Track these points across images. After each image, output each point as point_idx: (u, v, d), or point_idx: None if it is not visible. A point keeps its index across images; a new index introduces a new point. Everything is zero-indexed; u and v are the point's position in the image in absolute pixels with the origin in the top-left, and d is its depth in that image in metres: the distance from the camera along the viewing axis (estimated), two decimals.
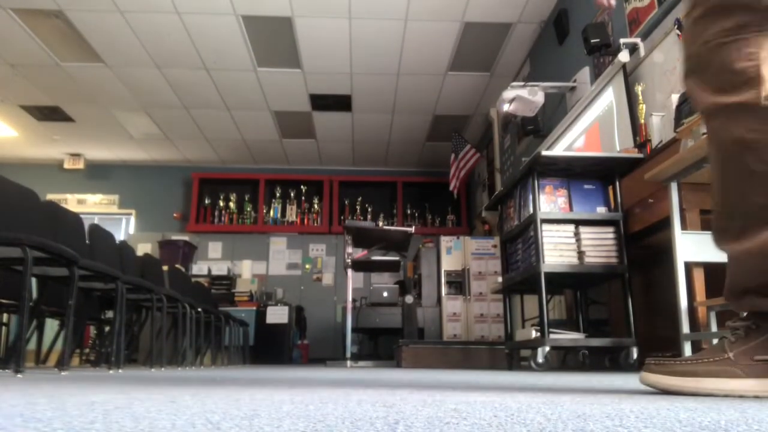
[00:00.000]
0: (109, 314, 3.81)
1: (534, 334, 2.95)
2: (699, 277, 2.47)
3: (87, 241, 3.33)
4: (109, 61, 5.71)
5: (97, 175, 8.48)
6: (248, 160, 8.53)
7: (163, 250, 7.55)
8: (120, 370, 2.74)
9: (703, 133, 2.10)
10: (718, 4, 0.93)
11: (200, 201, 8.35)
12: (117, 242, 3.82)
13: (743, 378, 0.89)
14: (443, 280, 5.83)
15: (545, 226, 2.88)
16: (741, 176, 0.91)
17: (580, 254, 2.88)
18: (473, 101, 6.64)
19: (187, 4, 4.80)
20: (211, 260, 8.00)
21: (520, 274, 3.11)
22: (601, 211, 2.97)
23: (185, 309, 3.92)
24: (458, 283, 5.84)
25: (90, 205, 8.40)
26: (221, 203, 8.36)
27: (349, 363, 4.57)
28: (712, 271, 2.49)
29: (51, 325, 3.57)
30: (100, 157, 8.36)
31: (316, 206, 8.51)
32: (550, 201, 2.94)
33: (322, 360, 6.90)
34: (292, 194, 8.51)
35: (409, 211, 8.53)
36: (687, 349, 2.34)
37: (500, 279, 3.62)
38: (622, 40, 3.47)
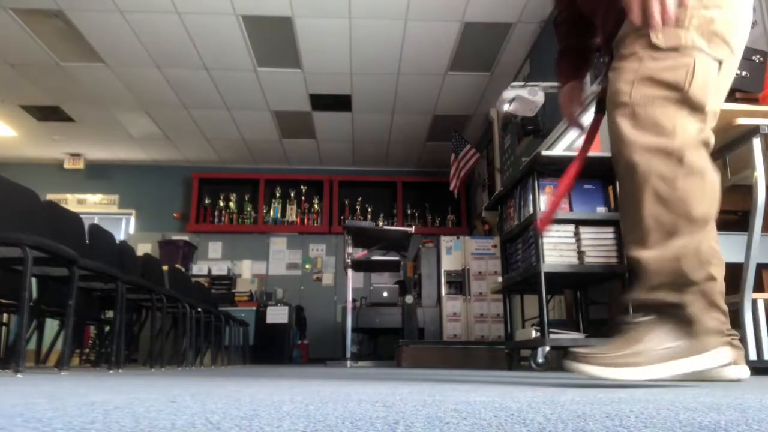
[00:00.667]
0: (109, 314, 3.81)
1: (534, 334, 2.95)
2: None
3: (87, 241, 3.33)
4: (109, 61, 5.71)
5: (97, 175, 8.48)
6: (248, 160, 8.53)
7: (163, 250, 7.55)
8: (120, 370, 2.74)
9: None
10: (647, 76, 1.22)
11: (200, 201, 8.36)
12: (117, 242, 3.82)
13: (656, 363, 1.10)
14: (443, 280, 5.83)
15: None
16: (655, 201, 1.18)
17: (580, 254, 2.88)
18: (473, 101, 6.64)
19: (187, 4, 4.80)
20: (211, 260, 8.00)
21: (520, 274, 3.11)
22: (601, 211, 2.97)
23: (185, 309, 3.92)
24: (458, 283, 5.84)
25: (90, 205, 8.40)
26: (221, 203, 8.36)
27: (349, 363, 4.57)
28: None
29: (51, 325, 3.57)
30: (100, 157, 8.36)
31: (316, 206, 8.51)
32: (550, 201, 2.93)
33: (322, 360, 6.90)
34: (292, 194, 8.51)
35: (409, 211, 8.53)
36: None
37: (500, 279, 3.62)
38: None
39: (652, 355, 1.11)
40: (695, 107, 1.21)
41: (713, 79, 1.24)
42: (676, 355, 1.12)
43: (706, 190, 1.18)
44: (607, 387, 1.18)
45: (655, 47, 1.23)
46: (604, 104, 1.65)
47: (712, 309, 1.18)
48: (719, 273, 1.44)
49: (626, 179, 1.24)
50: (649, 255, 1.19)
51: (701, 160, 1.19)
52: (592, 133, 1.68)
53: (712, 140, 1.24)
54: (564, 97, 1.80)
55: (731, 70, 1.32)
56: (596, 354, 1.14)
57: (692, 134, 1.19)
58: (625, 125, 1.22)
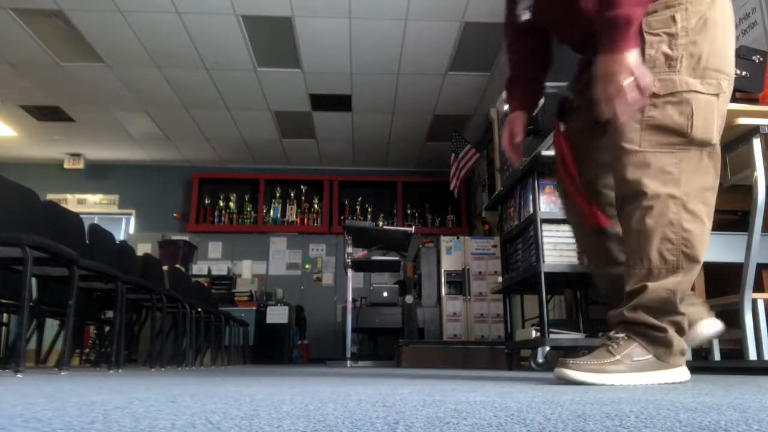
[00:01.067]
0: (109, 314, 3.81)
1: (534, 334, 2.95)
2: (699, 276, 2.47)
3: (87, 241, 3.33)
4: (109, 61, 5.70)
5: (97, 175, 8.48)
6: (248, 160, 8.52)
7: (163, 250, 7.54)
8: (120, 370, 2.74)
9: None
10: (653, 125, 1.34)
11: (200, 201, 8.35)
12: (117, 242, 3.82)
13: (628, 372, 1.29)
14: (443, 280, 5.83)
15: (545, 226, 2.88)
16: (663, 242, 1.32)
17: (581, 254, 2.88)
18: (473, 101, 6.64)
19: (187, 4, 4.80)
20: (211, 260, 8.00)
21: (520, 274, 3.11)
22: None
23: (185, 309, 3.92)
24: (458, 283, 5.84)
25: (90, 205, 8.40)
26: (221, 203, 8.36)
27: (349, 363, 4.57)
28: (712, 271, 2.49)
29: (51, 325, 3.56)
30: (100, 157, 8.36)
31: (316, 206, 8.50)
32: (550, 201, 2.93)
33: (322, 360, 6.90)
34: (292, 194, 8.51)
35: (409, 211, 8.53)
36: (687, 350, 2.33)
37: (500, 279, 3.62)
38: None
39: (629, 365, 1.29)
40: (702, 144, 1.33)
41: (714, 108, 1.34)
42: (649, 368, 1.31)
43: (704, 235, 1.35)
44: (599, 387, 1.19)
45: (654, 94, 1.33)
46: (564, 110, 1.69)
47: (681, 331, 1.37)
48: None
49: (638, 220, 1.36)
50: (653, 283, 1.34)
51: (702, 207, 1.34)
52: (560, 148, 1.68)
53: (715, 173, 1.37)
54: (508, 125, 1.79)
55: (729, 90, 1.40)
56: (582, 362, 1.31)
57: (696, 180, 1.34)
58: (638, 173, 1.34)
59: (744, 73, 2.13)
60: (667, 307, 1.33)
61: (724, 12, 1.40)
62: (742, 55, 2.15)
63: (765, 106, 2.10)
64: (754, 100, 2.13)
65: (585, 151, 1.61)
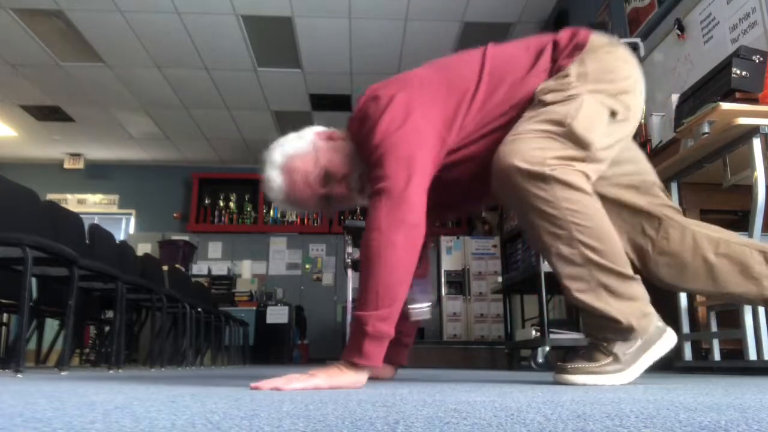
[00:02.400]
0: (109, 314, 3.81)
1: (534, 334, 2.95)
2: None
3: (87, 241, 3.33)
4: (109, 61, 5.71)
5: (97, 175, 8.48)
6: (248, 160, 8.53)
7: (163, 250, 7.54)
8: (120, 370, 2.74)
9: (704, 133, 2.10)
10: (534, 115, 1.36)
11: (200, 201, 8.35)
12: (117, 242, 3.82)
13: (628, 367, 1.29)
14: (443, 280, 5.83)
15: None
16: (544, 219, 1.29)
17: None
18: None
19: (187, 4, 4.80)
20: (211, 260, 8.00)
21: (520, 274, 3.11)
22: None
23: (185, 309, 3.92)
24: (458, 283, 5.84)
25: (90, 205, 8.40)
26: (221, 203, 8.36)
27: None
28: None
29: (51, 325, 3.56)
30: (100, 157, 8.36)
31: None
32: None
33: (322, 360, 6.90)
34: None
35: None
36: (687, 350, 2.34)
37: (500, 279, 3.62)
38: (622, 41, 3.47)
39: (625, 360, 1.29)
40: (580, 142, 1.32)
41: (603, 120, 1.35)
42: (642, 351, 1.30)
43: (588, 201, 1.29)
44: (599, 387, 1.19)
45: (545, 102, 1.37)
46: None
47: (629, 283, 1.29)
48: None
49: (518, 204, 1.34)
50: (566, 271, 1.30)
51: (577, 176, 1.29)
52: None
53: (592, 176, 1.33)
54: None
55: (627, 125, 1.42)
56: (581, 366, 1.31)
57: (564, 161, 1.30)
58: (505, 156, 1.32)
59: (744, 73, 2.13)
60: (605, 287, 1.28)
61: (623, 60, 1.43)
62: (742, 55, 2.15)
63: (765, 106, 2.10)
64: (754, 100, 2.13)
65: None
